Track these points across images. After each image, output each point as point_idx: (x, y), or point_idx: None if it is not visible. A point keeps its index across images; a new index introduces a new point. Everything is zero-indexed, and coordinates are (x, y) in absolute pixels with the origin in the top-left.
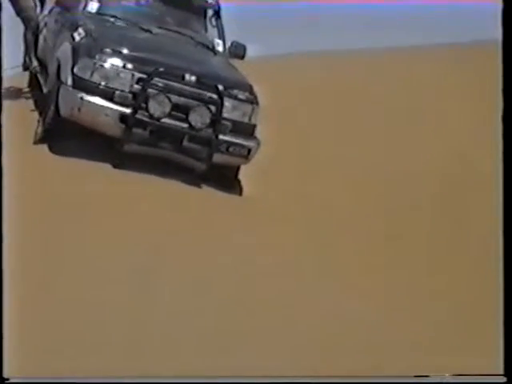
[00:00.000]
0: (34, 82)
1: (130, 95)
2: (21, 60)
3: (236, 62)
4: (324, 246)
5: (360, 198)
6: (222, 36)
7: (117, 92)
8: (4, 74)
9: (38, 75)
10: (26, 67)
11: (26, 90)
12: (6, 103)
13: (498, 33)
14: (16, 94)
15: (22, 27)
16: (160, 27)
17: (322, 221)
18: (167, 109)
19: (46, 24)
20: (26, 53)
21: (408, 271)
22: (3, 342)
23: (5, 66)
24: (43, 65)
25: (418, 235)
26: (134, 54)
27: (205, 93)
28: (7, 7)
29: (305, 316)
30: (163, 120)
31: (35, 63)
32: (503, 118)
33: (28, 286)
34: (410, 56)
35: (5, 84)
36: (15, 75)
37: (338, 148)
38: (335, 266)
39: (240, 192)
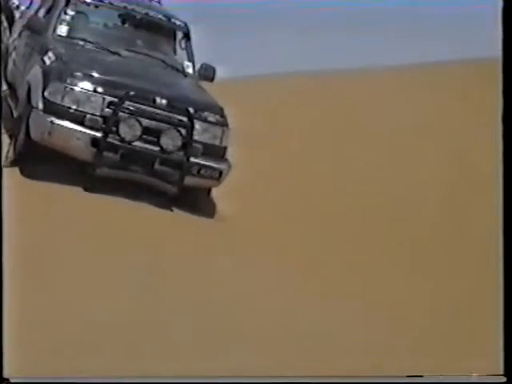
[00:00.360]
0: (3, 105)
1: (100, 119)
2: None
3: (207, 84)
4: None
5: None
6: (191, 58)
7: (87, 116)
8: None
9: (8, 98)
10: None
11: None
12: None
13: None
14: None
15: None
16: (129, 50)
17: (300, 236)
18: (138, 132)
19: (15, 47)
20: None
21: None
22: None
23: None
24: (12, 88)
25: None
26: (105, 77)
27: (175, 116)
28: None
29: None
30: (134, 143)
31: (4, 87)
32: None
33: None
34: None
35: None
36: None
37: (315, 167)
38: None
39: (211, 214)
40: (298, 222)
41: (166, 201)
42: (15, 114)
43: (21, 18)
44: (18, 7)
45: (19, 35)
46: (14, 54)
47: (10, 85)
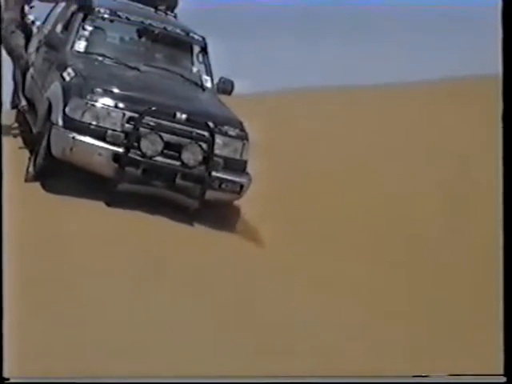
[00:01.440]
0: (21, 119)
1: (121, 134)
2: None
3: (225, 98)
4: (321, 273)
5: (358, 226)
6: (209, 72)
7: (109, 131)
8: None
9: (26, 114)
10: (14, 105)
11: (15, 126)
12: None
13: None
14: (4, 131)
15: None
16: (147, 65)
17: (317, 251)
18: (159, 147)
19: (32, 63)
20: (15, 91)
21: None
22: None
23: None
24: (31, 103)
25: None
26: (125, 93)
27: (196, 130)
28: None
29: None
30: (156, 158)
31: (23, 102)
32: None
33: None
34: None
35: None
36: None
37: (329, 182)
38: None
39: (232, 228)
40: (317, 233)
41: (187, 215)
42: (34, 130)
43: (37, 33)
44: (33, 22)
45: (36, 50)
46: (31, 70)
47: (28, 100)
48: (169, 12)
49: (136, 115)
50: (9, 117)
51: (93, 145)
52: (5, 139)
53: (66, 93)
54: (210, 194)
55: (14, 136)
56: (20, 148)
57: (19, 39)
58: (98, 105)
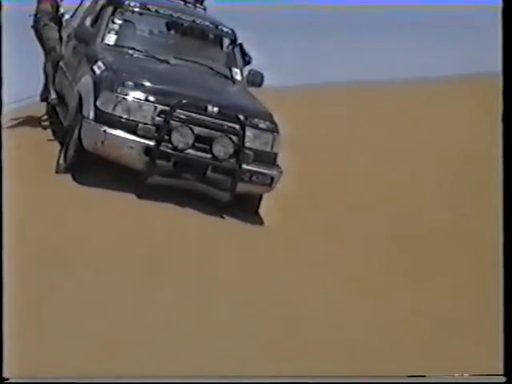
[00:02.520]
0: (50, 112)
1: (153, 128)
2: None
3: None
4: (341, 269)
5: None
6: (239, 65)
7: (140, 125)
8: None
9: (57, 107)
10: (44, 98)
11: (44, 118)
12: (23, 132)
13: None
14: (33, 123)
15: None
16: (177, 58)
17: (340, 248)
18: (190, 140)
19: (62, 56)
20: (46, 84)
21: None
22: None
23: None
24: (60, 96)
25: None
26: (156, 86)
27: (227, 123)
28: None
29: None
30: (187, 151)
31: (54, 95)
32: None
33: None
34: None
35: (21, 114)
36: (29, 105)
37: (355, 175)
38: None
39: (262, 222)
40: (342, 229)
41: (217, 208)
42: (65, 123)
43: (66, 26)
44: (62, 15)
45: (66, 44)
46: (61, 63)
47: (57, 93)
48: (198, 5)
49: (167, 108)
50: (37, 110)
51: (124, 138)
52: (34, 131)
53: (97, 86)
54: (240, 187)
55: (44, 128)
56: (49, 140)
57: (52, 32)
58: (129, 98)
